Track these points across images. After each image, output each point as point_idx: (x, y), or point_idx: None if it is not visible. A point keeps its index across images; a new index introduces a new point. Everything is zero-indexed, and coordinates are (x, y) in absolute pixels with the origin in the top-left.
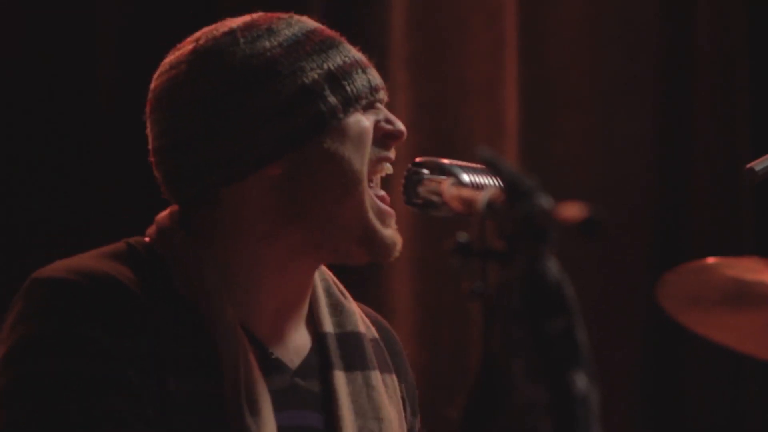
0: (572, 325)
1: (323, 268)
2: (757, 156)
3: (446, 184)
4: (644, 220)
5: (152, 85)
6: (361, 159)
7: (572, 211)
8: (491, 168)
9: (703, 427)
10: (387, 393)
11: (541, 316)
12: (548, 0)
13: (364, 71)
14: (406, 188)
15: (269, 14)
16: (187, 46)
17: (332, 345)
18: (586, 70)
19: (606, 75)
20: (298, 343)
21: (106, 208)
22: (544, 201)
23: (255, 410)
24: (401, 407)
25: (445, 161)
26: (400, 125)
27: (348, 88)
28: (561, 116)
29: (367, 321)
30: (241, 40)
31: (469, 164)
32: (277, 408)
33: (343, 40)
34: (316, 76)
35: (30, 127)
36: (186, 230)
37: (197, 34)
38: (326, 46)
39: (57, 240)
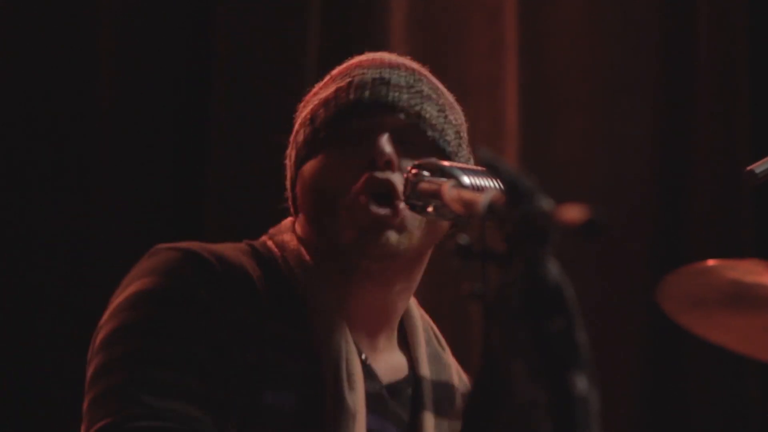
0: (572, 326)
1: (427, 318)
2: (757, 158)
3: (446, 186)
4: (644, 222)
5: None
6: (333, 182)
7: (573, 213)
8: (491, 170)
9: (703, 428)
10: None
11: (541, 317)
12: (548, 0)
13: (353, 91)
14: (406, 190)
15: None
16: None
17: (427, 388)
18: (586, 70)
19: (606, 75)
20: (390, 364)
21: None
22: (545, 203)
23: (353, 389)
24: None
25: (445, 163)
26: (381, 149)
27: (317, 120)
28: (561, 117)
29: (463, 376)
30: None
31: (470, 166)
32: (366, 407)
33: (378, 62)
34: (313, 106)
35: (27, 129)
36: (296, 236)
37: None
38: (339, 75)
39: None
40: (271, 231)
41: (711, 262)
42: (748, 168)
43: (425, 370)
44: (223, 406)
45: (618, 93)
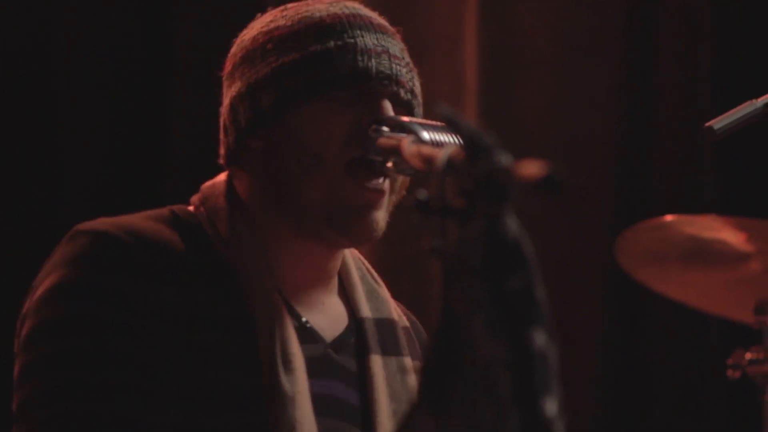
0: (531, 282)
1: (357, 254)
2: (719, 114)
3: (406, 142)
4: (605, 178)
5: None
6: (322, 145)
7: (532, 168)
8: (451, 125)
9: (663, 383)
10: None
11: (501, 273)
12: None
13: (360, 57)
14: (366, 146)
15: None
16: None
17: (370, 329)
18: (547, 27)
19: (567, 33)
20: (332, 317)
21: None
22: (504, 158)
23: (289, 369)
24: None
25: (405, 119)
26: (389, 116)
27: (322, 70)
28: (521, 75)
29: (399, 310)
30: (280, 16)
31: (429, 122)
32: (310, 374)
33: (368, 23)
34: (296, 56)
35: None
36: (228, 198)
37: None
38: (330, 28)
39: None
40: (204, 191)
41: (669, 218)
42: (708, 124)
43: (365, 311)
44: (156, 397)
45: (579, 50)
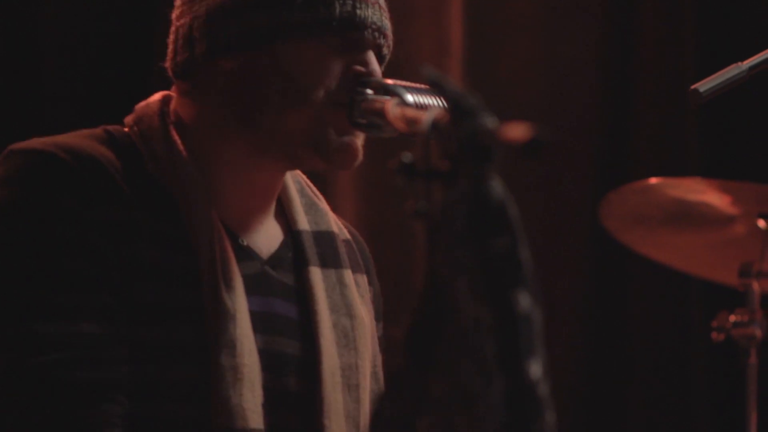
0: (516, 244)
1: (296, 170)
2: (702, 77)
3: (390, 105)
4: (589, 140)
5: None
6: (310, 83)
7: (516, 130)
8: (435, 88)
9: (646, 346)
10: (359, 292)
11: (485, 236)
12: None
13: (358, 4)
14: (350, 109)
15: None
16: None
17: (308, 242)
18: None
19: None
20: (268, 235)
21: None
22: (489, 121)
23: (230, 287)
24: (371, 308)
25: (389, 81)
26: (374, 70)
27: (320, 11)
28: (506, 37)
29: (340, 223)
30: None
31: (414, 84)
32: (247, 292)
33: None
34: None
35: None
36: (163, 118)
37: None
38: None
39: None
40: (138, 111)
41: (653, 181)
42: (692, 87)
43: (303, 223)
44: (111, 312)
45: (563, 14)
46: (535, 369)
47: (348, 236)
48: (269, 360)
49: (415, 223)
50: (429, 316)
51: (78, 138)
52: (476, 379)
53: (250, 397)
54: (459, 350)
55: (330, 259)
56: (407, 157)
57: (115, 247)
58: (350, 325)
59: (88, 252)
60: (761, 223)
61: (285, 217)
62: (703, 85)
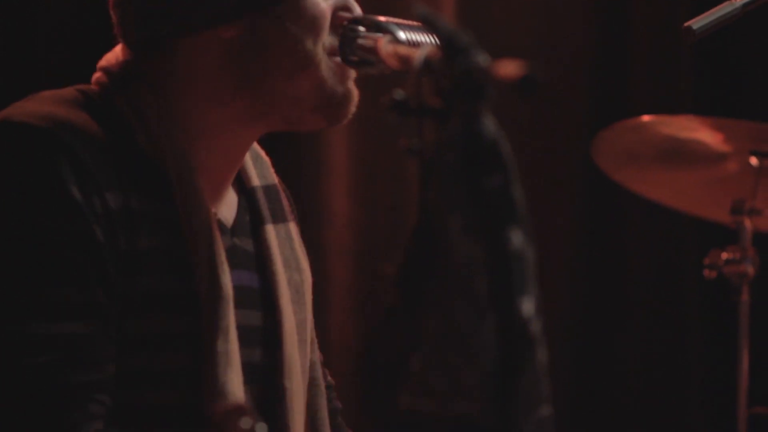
0: (509, 181)
1: None
2: (695, 14)
3: (382, 42)
4: (581, 78)
5: None
6: (314, 41)
7: (509, 68)
8: (428, 25)
9: (639, 283)
10: (299, 242)
11: (478, 173)
12: None
13: None
14: (342, 46)
15: None
16: None
17: (261, 199)
18: None
19: None
20: (228, 201)
21: None
22: (481, 58)
23: (223, 271)
24: (305, 250)
25: (382, 18)
26: (358, 11)
27: None
28: None
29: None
30: None
31: (406, 22)
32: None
33: None
34: None
35: None
36: (137, 79)
37: None
38: None
39: None
40: (114, 75)
41: (645, 118)
42: (686, 24)
43: (255, 179)
44: (101, 308)
45: None
46: (528, 306)
47: (276, 181)
48: (242, 335)
49: (407, 161)
50: (421, 253)
51: (59, 105)
52: (469, 316)
53: (236, 379)
54: (452, 287)
55: (279, 214)
56: (399, 94)
57: (109, 239)
58: (300, 279)
59: (81, 246)
60: (753, 160)
61: (237, 174)
62: (697, 23)
